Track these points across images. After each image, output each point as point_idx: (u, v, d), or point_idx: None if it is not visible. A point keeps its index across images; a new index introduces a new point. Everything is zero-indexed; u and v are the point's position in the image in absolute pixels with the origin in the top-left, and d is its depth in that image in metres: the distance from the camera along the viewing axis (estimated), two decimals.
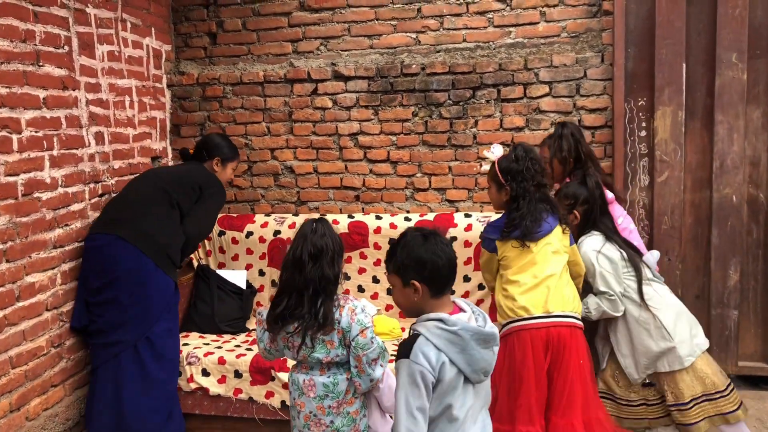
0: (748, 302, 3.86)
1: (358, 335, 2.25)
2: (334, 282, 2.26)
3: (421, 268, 1.90)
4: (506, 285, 2.84)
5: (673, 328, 2.92)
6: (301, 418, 2.35)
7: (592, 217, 3.07)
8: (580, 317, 2.82)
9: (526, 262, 2.80)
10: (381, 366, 2.31)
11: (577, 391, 2.71)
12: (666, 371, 2.93)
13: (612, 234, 3.05)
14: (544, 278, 2.77)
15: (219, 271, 3.91)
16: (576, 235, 3.03)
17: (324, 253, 2.25)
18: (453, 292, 2.03)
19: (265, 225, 4.07)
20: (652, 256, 3.18)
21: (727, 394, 2.95)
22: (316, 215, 4.08)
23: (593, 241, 3.02)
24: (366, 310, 2.35)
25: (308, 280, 2.23)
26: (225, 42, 4.36)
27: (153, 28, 4.14)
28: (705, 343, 2.99)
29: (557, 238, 2.84)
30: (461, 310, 1.96)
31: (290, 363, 2.33)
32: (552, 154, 3.32)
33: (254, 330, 3.57)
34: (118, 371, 3.07)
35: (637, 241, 3.26)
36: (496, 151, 2.93)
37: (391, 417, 2.43)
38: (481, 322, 1.91)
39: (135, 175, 3.60)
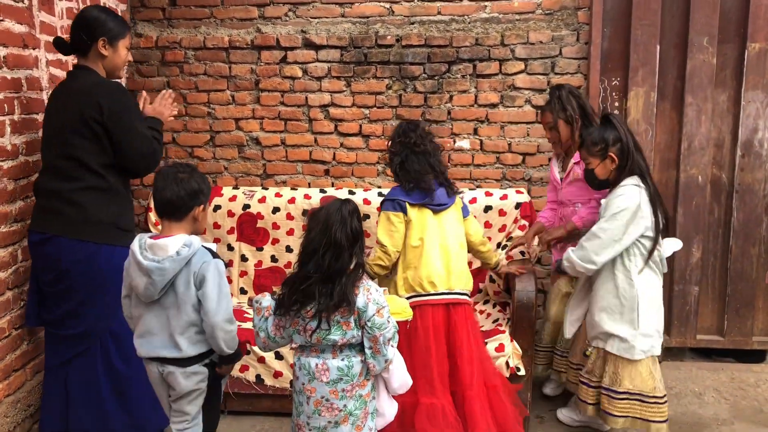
0: (707, 278, 4.04)
1: (374, 315, 2.21)
2: (363, 268, 2.24)
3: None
4: (410, 255, 2.91)
5: (645, 321, 2.86)
6: (311, 404, 2.26)
7: (629, 156, 2.83)
8: (469, 294, 2.97)
9: (432, 233, 2.90)
10: (392, 346, 2.29)
11: (476, 364, 2.89)
12: (614, 353, 2.90)
13: (647, 176, 2.86)
14: (448, 251, 2.90)
15: None
16: (615, 181, 2.89)
17: (358, 239, 2.23)
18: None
19: (233, 198, 3.92)
20: (670, 244, 3.00)
21: (662, 404, 2.89)
22: (286, 189, 3.99)
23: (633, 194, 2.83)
24: (379, 289, 2.29)
25: (343, 265, 2.18)
26: (185, 3, 4.14)
27: None
28: (659, 348, 2.94)
29: (457, 209, 2.99)
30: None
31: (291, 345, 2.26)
32: (556, 116, 3.24)
33: None
34: (86, 371, 2.78)
35: None
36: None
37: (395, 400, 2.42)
38: (150, 254, 2.23)
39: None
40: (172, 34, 4.13)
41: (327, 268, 2.17)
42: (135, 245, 2.27)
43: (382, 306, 2.23)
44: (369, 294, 2.22)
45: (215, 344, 2.29)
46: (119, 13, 3.93)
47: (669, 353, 4.09)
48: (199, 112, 4.19)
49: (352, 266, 2.19)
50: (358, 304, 2.20)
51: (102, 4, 3.76)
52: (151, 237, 2.29)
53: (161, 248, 2.24)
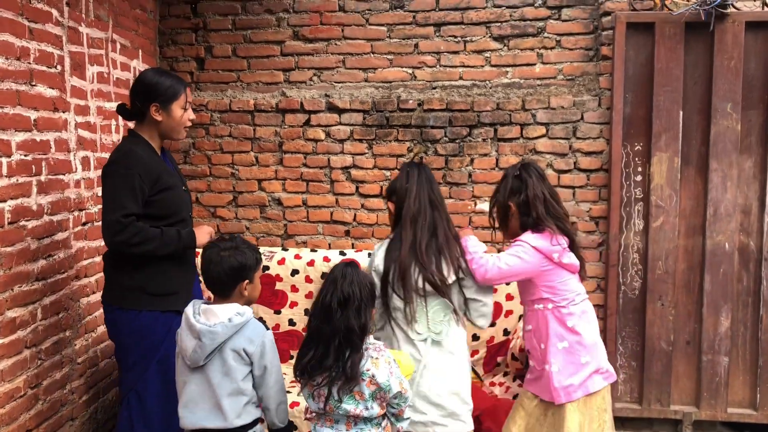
0: (737, 349, 3.92)
1: (399, 390, 2.21)
2: (360, 333, 2.19)
3: None
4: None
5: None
6: None
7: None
8: None
9: None
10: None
11: None
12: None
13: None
14: None
15: None
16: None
17: (351, 302, 2.19)
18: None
19: None
20: None
21: None
22: (305, 250, 4.00)
23: None
24: (392, 357, 2.28)
25: (335, 329, 2.17)
26: (213, 68, 4.28)
27: (140, 51, 4.00)
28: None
29: None
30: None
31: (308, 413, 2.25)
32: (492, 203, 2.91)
33: None
34: (119, 422, 2.84)
35: None
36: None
37: None
38: (203, 319, 2.27)
39: None
40: (200, 97, 4.25)
41: (322, 332, 2.17)
42: (189, 309, 2.33)
43: (401, 378, 2.23)
44: (391, 368, 2.20)
45: (269, 417, 2.34)
46: None
47: (699, 427, 3.94)
48: (222, 173, 4.27)
49: (343, 328, 2.17)
50: (379, 380, 2.17)
51: (133, 68, 3.89)
52: (204, 303, 2.35)
53: (213, 314, 2.29)
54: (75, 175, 3.27)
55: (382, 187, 4.15)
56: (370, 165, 4.15)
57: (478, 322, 2.69)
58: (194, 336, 2.26)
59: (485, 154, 4.07)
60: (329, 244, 4.22)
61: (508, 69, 4.08)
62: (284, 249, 4.04)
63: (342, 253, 3.95)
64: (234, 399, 2.26)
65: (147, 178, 2.66)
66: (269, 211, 4.26)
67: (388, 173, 4.15)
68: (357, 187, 4.17)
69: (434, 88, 4.12)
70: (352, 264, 2.29)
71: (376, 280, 2.60)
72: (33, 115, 2.92)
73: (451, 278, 2.62)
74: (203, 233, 2.78)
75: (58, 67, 3.10)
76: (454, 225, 2.77)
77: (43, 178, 3.00)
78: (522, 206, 2.75)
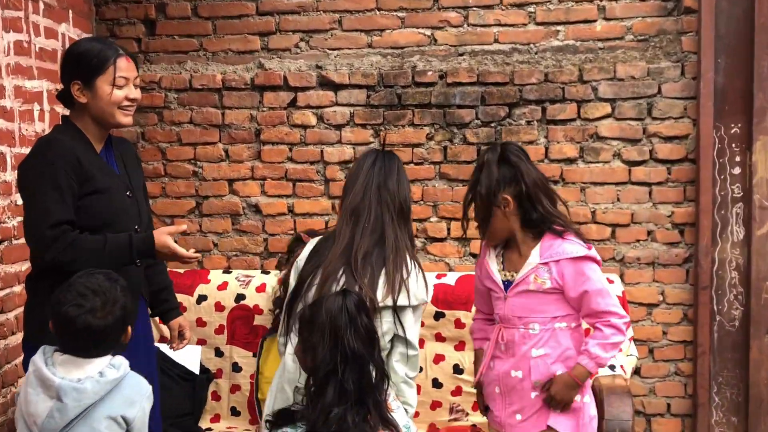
0: None
1: None
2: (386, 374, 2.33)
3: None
4: None
5: None
6: None
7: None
8: None
9: None
10: None
11: None
12: None
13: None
14: None
15: (163, 347, 3.72)
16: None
17: (375, 340, 2.34)
18: None
19: (223, 286, 3.95)
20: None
21: None
22: None
23: None
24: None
25: (371, 378, 2.26)
26: (167, 33, 4.28)
27: (71, 12, 4.00)
28: None
29: None
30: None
31: None
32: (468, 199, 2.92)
33: None
34: None
35: None
36: None
37: None
38: (62, 372, 2.19)
39: None
40: (150, 72, 4.23)
41: (353, 391, 2.18)
42: (38, 358, 2.26)
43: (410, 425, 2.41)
44: (407, 414, 2.38)
45: None
46: None
47: None
48: (181, 172, 4.24)
49: (376, 377, 2.25)
50: (401, 424, 2.28)
51: (61, 35, 3.88)
52: (57, 350, 2.29)
53: (77, 366, 2.23)
54: None
55: None
56: None
57: (399, 369, 2.74)
58: (50, 395, 2.19)
59: (530, 142, 4.03)
60: None
61: (559, 28, 4.06)
62: (264, 272, 4.02)
63: None
64: None
65: (74, 173, 2.65)
66: (244, 222, 4.24)
67: None
68: None
69: (461, 55, 4.10)
70: (348, 293, 2.35)
71: (292, 280, 2.76)
72: None
73: (385, 302, 2.67)
74: (161, 235, 2.72)
75: None
76: (414, 240, 2.87)
77: None
78: (523, 199, 2.78)
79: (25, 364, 2.75)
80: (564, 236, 2.80)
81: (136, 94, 2.81)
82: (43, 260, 2.65)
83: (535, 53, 4.07)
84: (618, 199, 4.02)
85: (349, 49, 4.15)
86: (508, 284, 2.86)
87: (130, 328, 2.36)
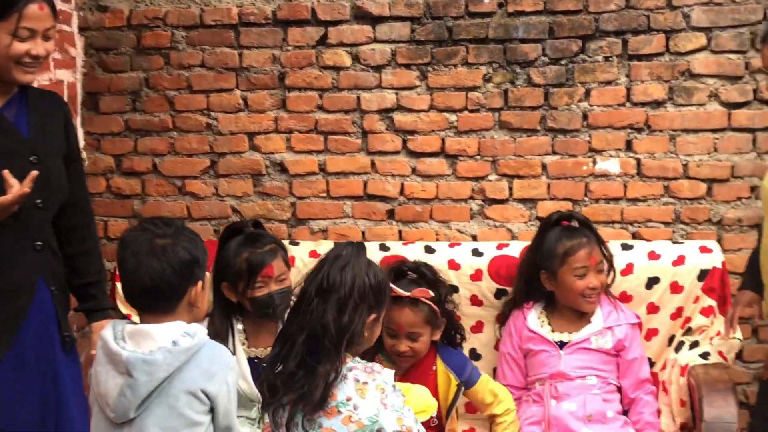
0: None
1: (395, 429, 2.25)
2: (336, 336, 2.23)
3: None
4: None
5: None
6: None
7: None
8: None
9: None
10: None
11: None
12: None
13: None
14: None
15: None
16: None
17: (334, 290, 2.28)
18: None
19: None
20: None
21: None
22: (327, 243, 3.71)
23: None
24: (391, 382, 2.34)
25: (303, 323, 2.28)
26: None
27: None
28: None
29: None
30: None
31: None
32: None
33: None
34: None
35: None
36: None
37: None
38: (132, 345, 2.16)
39: None
40: (152, 6, 4.00)
41: (308, 321, 2.26)
42: (107, 333, 2.22)
43: (402, 413, 2.26)
44: (384, 396, 2.24)
45: None
46: None
47: None
48: (193, 125, 3.99)
49: (337, 326, 2.24)
50: (362, 415, 2.21)
51: None
52: (129, 322, 2.28)
53: (147, 336, 2.16)
54: None
55: (443, 141, 3.86)
56: (425, 105, 3.85)
57: None
58: (119, 371, 2.14)
59: (609, 82, 3.72)
60: (363, 233, 3.94)
61: None
62: (293, 243, 3.76)
63: (383, 247, 3.67)
64: None
65: None
66: (267, 183, 3.98)
67: (453, 117, 3.82)
68: (404, 142, 3.88)
69: None
70: (360, 245, 2.38)
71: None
72: None
73: None
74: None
75: None
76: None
77: None
78: None
79: None
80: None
81: (41, 49, 2.61)
82: None
83: None
84: (715, 149, 3.70)
85: None
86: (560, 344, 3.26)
87: (202, 288, 2.28)
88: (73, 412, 2.72)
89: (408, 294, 2.90)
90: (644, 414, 3.08)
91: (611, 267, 3.23)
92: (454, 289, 3.45)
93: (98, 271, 2.96)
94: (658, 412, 3.15)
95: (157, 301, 2.22)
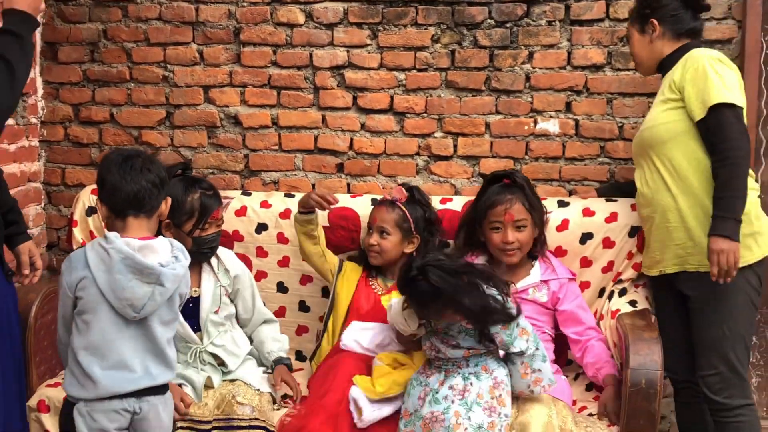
0: None
1: None
2: None
3: (100, 187, 2.62)
4: None
5: None
6: None
7: None
8: None
9: None
10: None
11: None
12: None
13: None
14: None
15: None
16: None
17: None
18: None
19: None
20: None
21: None
22: (278, 194, 3.77)
23: None
24: None
25: None
26: None
27: None
28: None
29: None
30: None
31: None
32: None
33: None
34: None
35: None
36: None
37: None
38: (153, 258, 2.54)
39: None
40: None
41: None
42: (121, 244, 2.52)
43: None
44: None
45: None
46: None
47: None
48: (149, 77, 3.99)
49: None
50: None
51: None
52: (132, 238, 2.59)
53: (153, 250, 2.56)
54: None
55: (392, 98, 3.88)
56: (375, 64, 3.87)
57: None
58: (149, 281, 2.52)
59: (551, 45, 3.77)
60: (313, 185, 3.97)
61: None
62: (245, 193, 3.79)
63: None
64: (171, 348, 2.66)
65: None
66: (222, 135, 4.00)
67: (401, 76, 3.86)
68: (355, 98, 3.90)
69: None
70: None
71: None
72: None
73: None
74: None
75: None
76: None
77: None
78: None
79: None
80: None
81: None
82: None
83: None
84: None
85: None
86: None
87: (167, 205, 2.70)
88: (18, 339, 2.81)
89: (387, 196, 3.36)
90: (601, 354, 3.16)
91: (541, 227, 3.29)
92: None
93: (12, 199, 2.97)
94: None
95: (142, 207, 2.57)
